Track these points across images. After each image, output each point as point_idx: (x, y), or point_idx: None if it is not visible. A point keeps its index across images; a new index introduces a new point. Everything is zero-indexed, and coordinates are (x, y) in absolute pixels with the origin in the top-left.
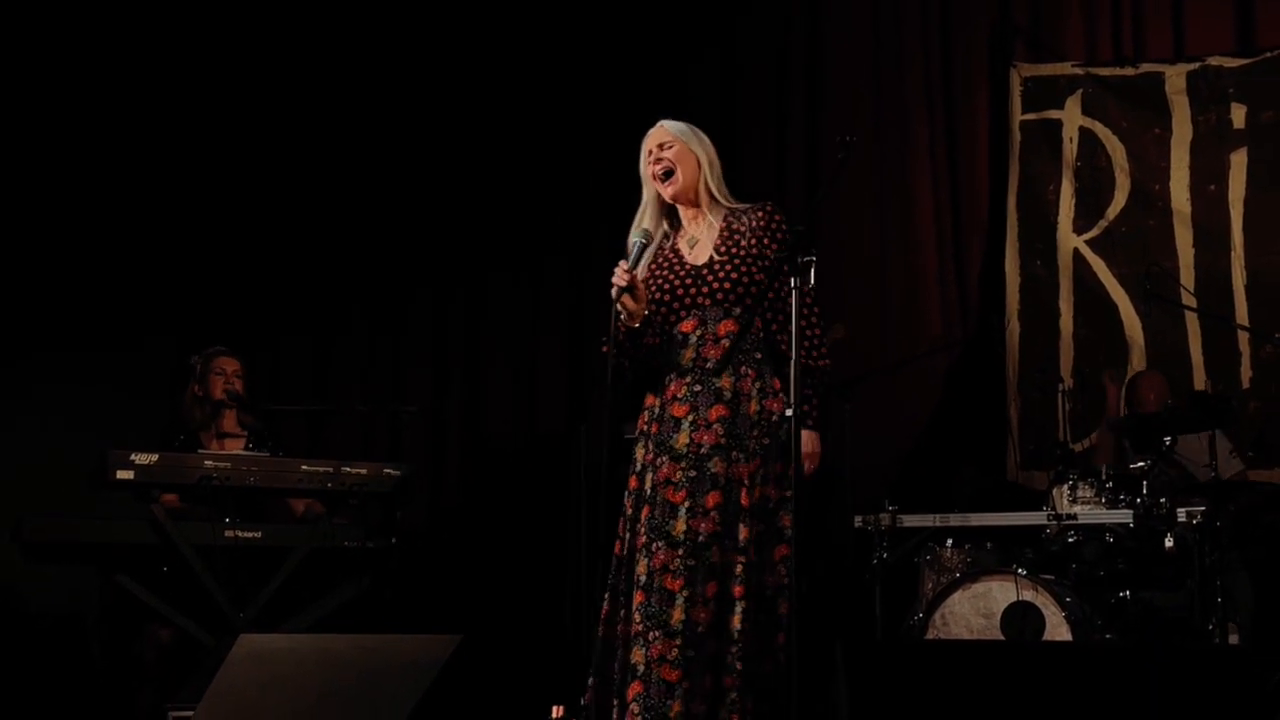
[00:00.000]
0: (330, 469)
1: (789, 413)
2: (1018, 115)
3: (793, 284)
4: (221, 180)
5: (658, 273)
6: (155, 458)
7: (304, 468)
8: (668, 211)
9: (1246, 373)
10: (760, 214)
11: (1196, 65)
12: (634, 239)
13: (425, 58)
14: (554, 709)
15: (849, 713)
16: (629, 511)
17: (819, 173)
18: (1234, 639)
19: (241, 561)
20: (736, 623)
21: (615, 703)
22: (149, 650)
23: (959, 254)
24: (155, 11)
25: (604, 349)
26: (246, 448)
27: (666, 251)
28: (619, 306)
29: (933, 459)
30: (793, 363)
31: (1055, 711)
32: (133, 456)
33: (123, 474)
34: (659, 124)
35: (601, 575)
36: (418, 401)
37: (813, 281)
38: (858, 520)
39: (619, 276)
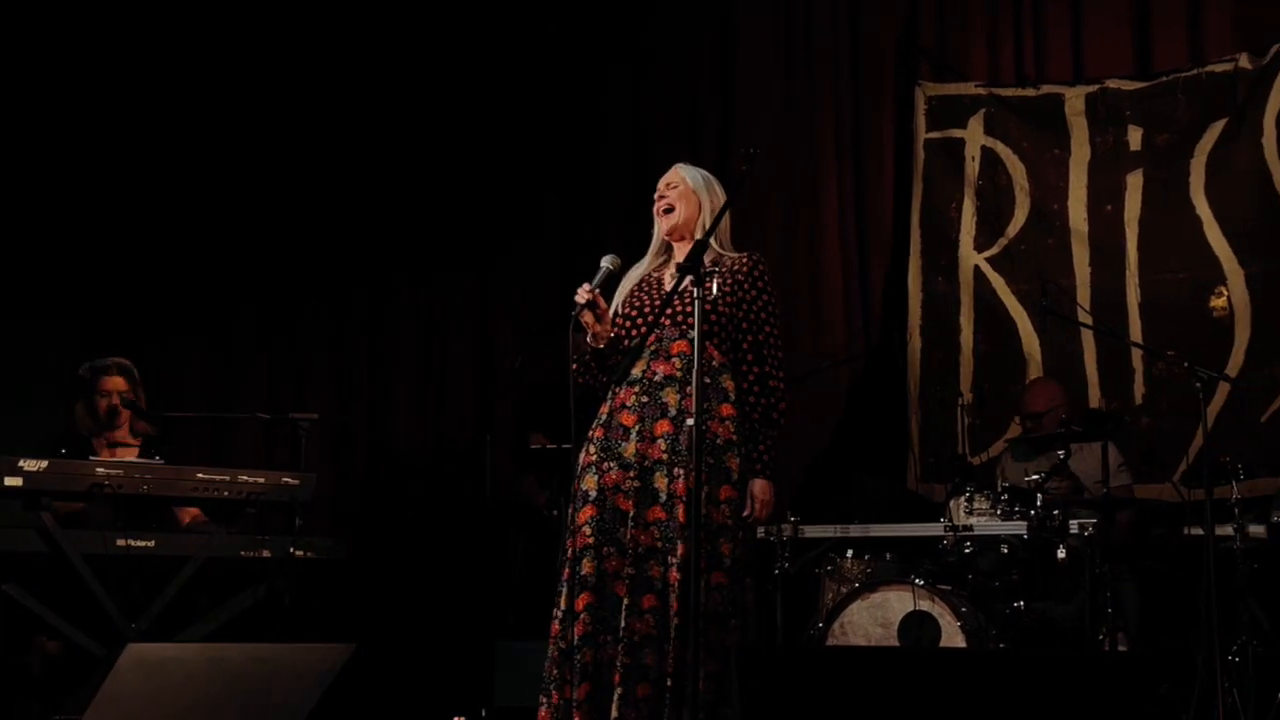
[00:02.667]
0: (227, 477)
1: (689, 422)
2: (922, 133)
3: (695, 294)
4: (124, 181)
5: (635, 294)
6: (44, 465)
7: (199, 476)
8: (666, 248)
9: (1139, 389)
10: (746, 261)
11: (1095, 88)
12: (604, 261)
13: (330, 64)
14: None
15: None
16: (569, 514)
17: (728, 184)
18: (1123, 648)
19: (135, 572)
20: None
21: (556, 701)
22: (36, 662)
23: (863, 269)
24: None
25: (573, 367)
26: (141, 456)
27: (651, 279)
28: (581, 320)
29: (835, 470)
30: (695, 372)
31: (949, 718)
32: (21, 463)
33: (11, 481)
34: (674, 166)
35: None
36: (322, 409)
37: (715, 291)
38: (760, 531)
39: (580, 294)
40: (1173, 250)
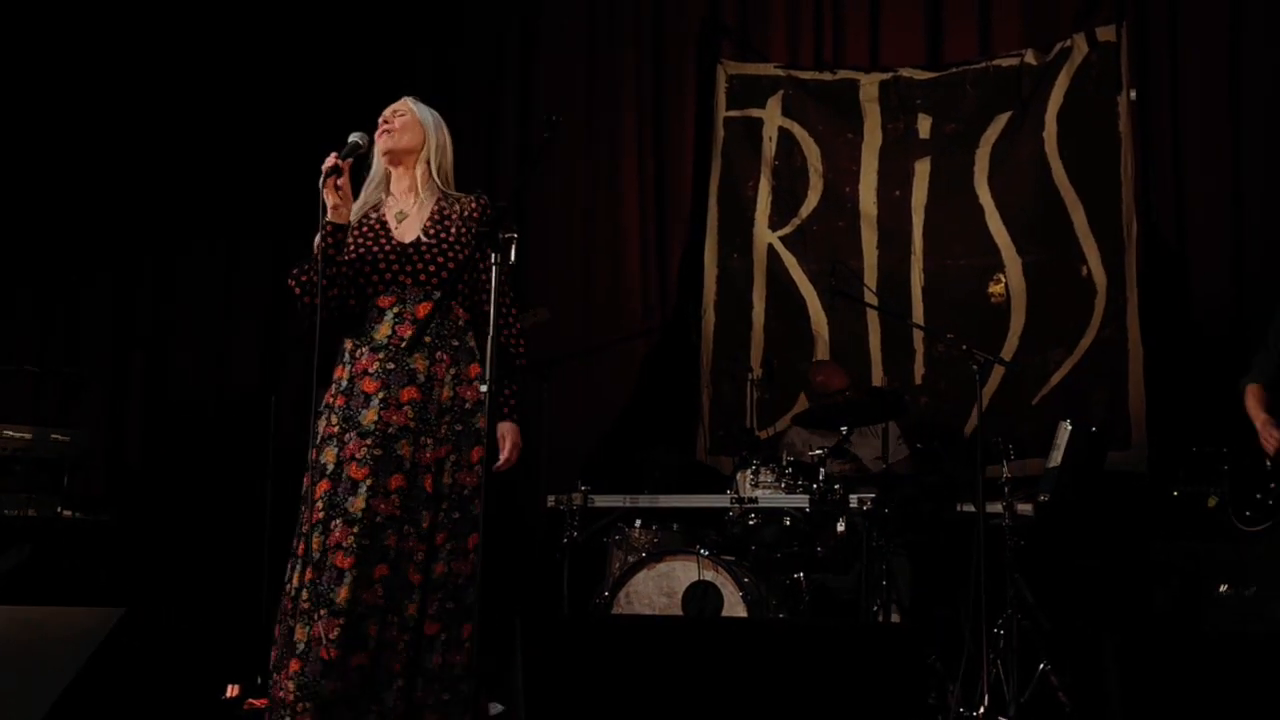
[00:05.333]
0: None
1: (484, 389)
2: (722, 111)
3: (493, 260)
4: None
5: (361, 240)
6: None
7: None
8: (384, 179)
9: (919, 369)
10: (473, 203)
11: (889, 75)
12: (353, 136)
13: (124, 31)
14: (229, 688)
15: (525, 689)
16: (306, 485)
17: (530, 154)
18: (896, 618)
19: None
20: (413, 610)
21: (274, 679)
22: None
23: (661, 243)
24: None
25: (292, 281)
26: None
27: (373, 220)
28: (325, 192)
29: (627, 441)
30: (490, 339)
31: (728, 685)
32: None
33: None
34: (403, 98)
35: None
36: (101, 366)
37: (514, 259)
38: (550, 499)
39: (328, 161)
40: (956, 237)
